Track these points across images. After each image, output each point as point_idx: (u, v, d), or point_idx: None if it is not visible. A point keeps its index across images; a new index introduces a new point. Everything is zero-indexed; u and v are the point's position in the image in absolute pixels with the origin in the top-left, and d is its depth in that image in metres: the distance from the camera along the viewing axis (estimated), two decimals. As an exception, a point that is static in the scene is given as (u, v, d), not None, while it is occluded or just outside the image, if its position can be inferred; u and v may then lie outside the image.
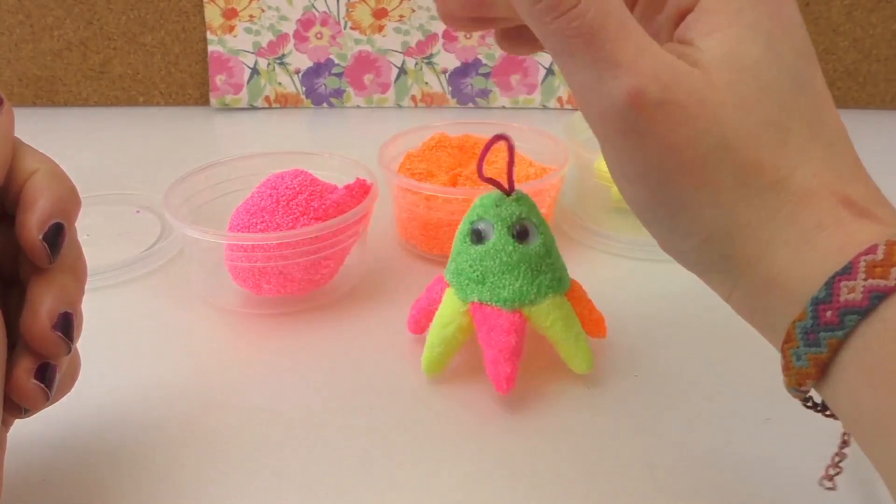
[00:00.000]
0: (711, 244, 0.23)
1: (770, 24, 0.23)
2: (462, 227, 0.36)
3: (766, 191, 0.22)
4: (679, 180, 0.23)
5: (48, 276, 0.26)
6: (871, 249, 0.20)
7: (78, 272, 0.27)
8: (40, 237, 0.25)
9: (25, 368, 0.26)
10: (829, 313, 0.21)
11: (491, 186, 0.35)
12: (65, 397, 0.29)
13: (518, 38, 0.29)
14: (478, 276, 0.34)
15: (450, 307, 0.35)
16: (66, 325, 0.26)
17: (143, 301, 0.44)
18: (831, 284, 0.21)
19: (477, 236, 0.35)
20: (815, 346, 0.21)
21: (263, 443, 0.33)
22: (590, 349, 0.35)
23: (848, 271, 0.20)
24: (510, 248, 0.34)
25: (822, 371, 0.21)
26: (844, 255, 0.21)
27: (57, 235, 0.26)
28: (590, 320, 0.37)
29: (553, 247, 0.35)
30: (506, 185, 0.35)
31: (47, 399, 0.26)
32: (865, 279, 0.20)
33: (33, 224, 0.25)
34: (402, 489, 0.31)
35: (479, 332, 0.34)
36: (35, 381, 0.26)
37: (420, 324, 0.38)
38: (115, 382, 0.37)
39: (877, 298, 0.20)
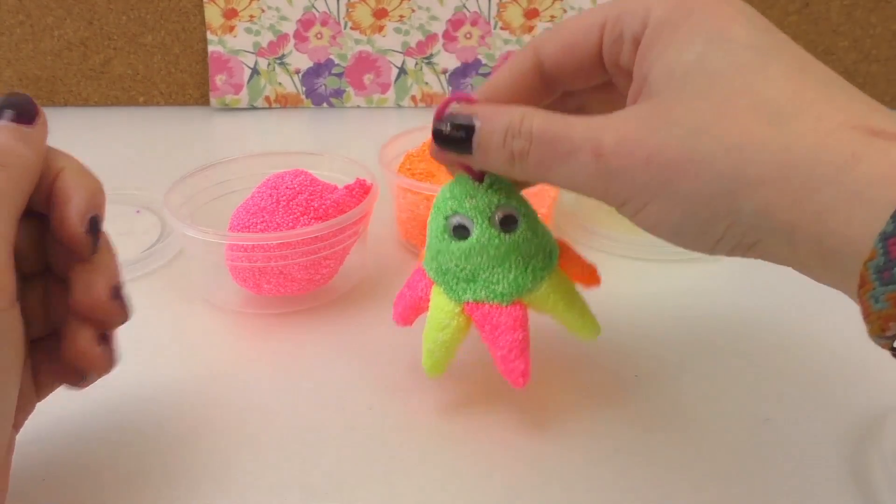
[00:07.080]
0: (746, 228, 0.23)
1: (710, 23, 0.24)
2: (436, 223, 0.32)
3: (770, 152, 0.22)
4: (680, 186, 0.23)
5: (92, 259, 0.28)
6: None
7: (112, 253, 0.29)
8: (83, 230, 0.27)
9: (87, 337, 0.28)
10: None
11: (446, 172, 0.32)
12: (64, 397, 0.29)
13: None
14: (467, 274, 0.32)
15: (443, 309, 0.33)
16: (122, 296, 0.28)
17: (143, 301, 0.43)
18: None
19: (457, 232, 0.32)
20: (891, 283, 0.19)
21: (263, 442, 0.33)
22: (594, 317, 0.34)
23: None
24: (496, 241, 0.31)
25: None
26: None
27: (96, 227, 0.27)
28: (582, 275, 0.34)
29: (537, 223, 0.33)
30: (474, 171, 0.32)
31: (113, 364, 0.29)
32: None
33: (74, 218, 0.27)
34: (403, 489, 0.31)
35: (482, 332, 0.32)
36: (104, 346, 0.28)
37: (408, 318, 0.35)
38: (115, 382, 0.36)
39: None
